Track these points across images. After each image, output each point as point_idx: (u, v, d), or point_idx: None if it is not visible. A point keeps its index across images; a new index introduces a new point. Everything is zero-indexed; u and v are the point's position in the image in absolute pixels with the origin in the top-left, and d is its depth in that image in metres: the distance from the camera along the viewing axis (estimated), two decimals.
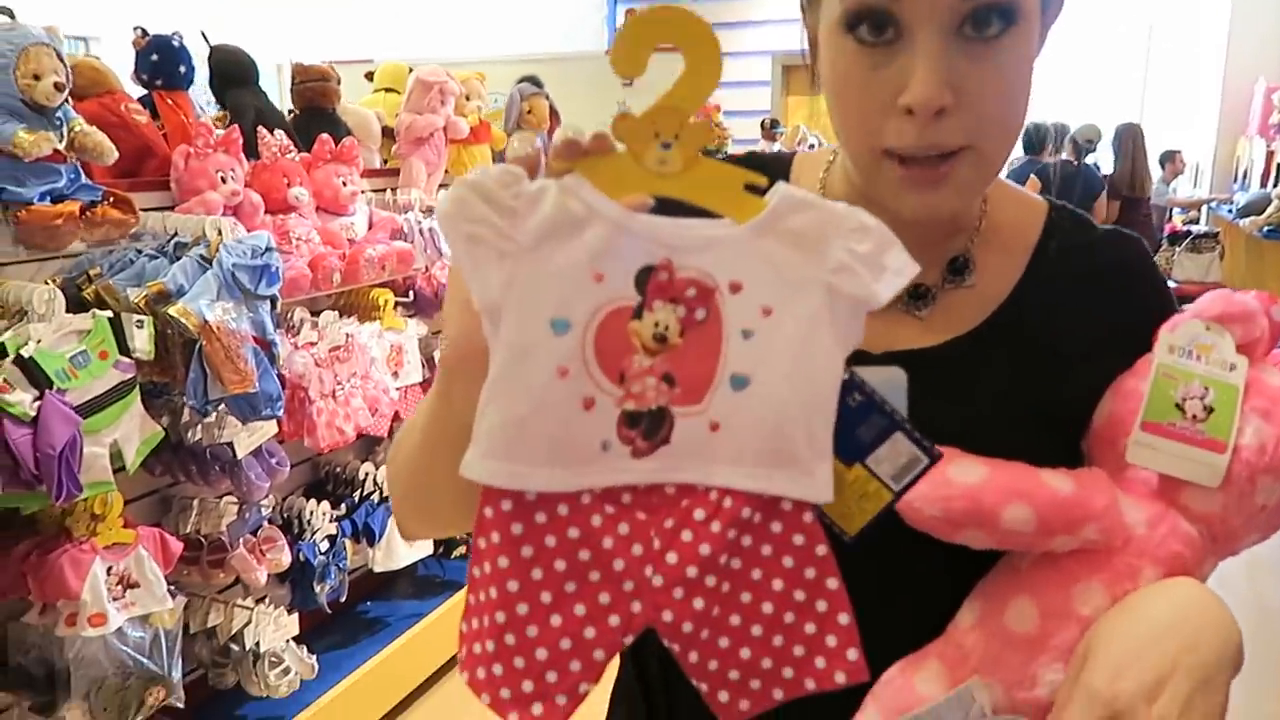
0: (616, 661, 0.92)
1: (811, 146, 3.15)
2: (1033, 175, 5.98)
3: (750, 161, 0.84)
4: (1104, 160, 6.53)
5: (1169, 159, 7.32)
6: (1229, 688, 0.58)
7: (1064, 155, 6.23)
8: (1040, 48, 0.68)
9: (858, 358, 0.72)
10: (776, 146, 5.97)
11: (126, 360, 1.76)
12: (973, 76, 0.62)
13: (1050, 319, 0.74)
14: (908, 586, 0.69)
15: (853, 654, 0.55)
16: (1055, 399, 0.70)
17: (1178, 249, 6.76)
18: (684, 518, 0.53)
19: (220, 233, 1.94)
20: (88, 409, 1.68)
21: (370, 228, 2.63)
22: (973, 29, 0.62)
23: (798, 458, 0.52)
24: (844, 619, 0.54)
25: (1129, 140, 6.50)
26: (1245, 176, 7.27)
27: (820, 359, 0.52)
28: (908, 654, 0.68)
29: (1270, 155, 6.75)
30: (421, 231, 2.71)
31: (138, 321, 1.78)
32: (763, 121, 6.56)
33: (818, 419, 0.53)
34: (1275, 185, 6.24)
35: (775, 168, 0.81)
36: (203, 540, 2.17)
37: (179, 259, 1.89)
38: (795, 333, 0.51)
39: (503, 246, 0.50)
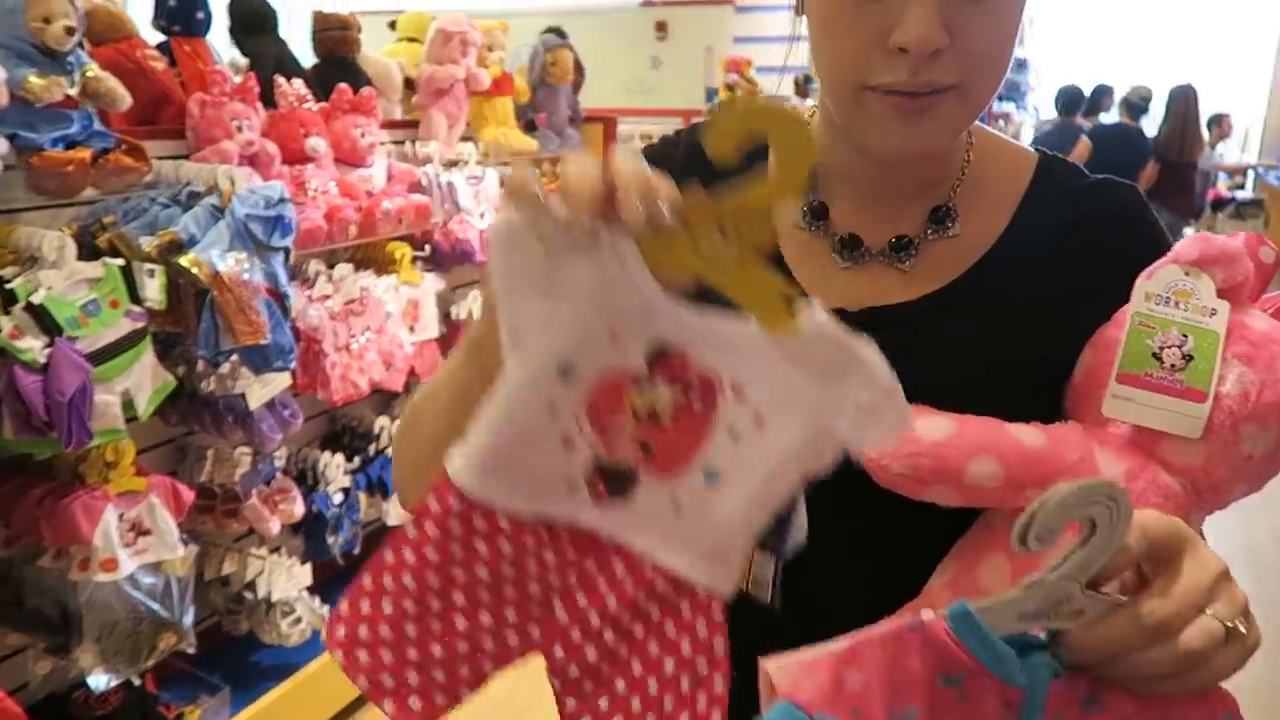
0: None
1: None
2: (1083, 137, 5.84)
3: None
4: (1149, 124, 6.36)
5: (1216, 122, 7.10)
6: None
7: (1117, 117, 6.08)
8: None
9: (837, 316, 0.70)
10: (810, 102, 5.85)
11: (138, 309, 1.76)
12: (966, 15, 0.61)
13: (1034, 269, 0.72)
14: (880, 550, 0.68)
15: None
16: (1038, 351, 0.68)
17: (1220, 215, 6.58)
18: (605, 567, 0.54)
19: (233, 182, 1.93)
20: (99, 357, 1.68)
21: (389, 180, 2.61)
22: None
23: (728, 559, 0.53)
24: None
25: (1182, 103, 6.31)
26: None
27: (783, 487, 0.52)
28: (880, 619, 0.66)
29: None
30: (440, 185, 2.69)
31: (149, 270, 1.78)
32: (796, 78, 6.43)
33: (756, 531, 0.54)
34: None
35: None
36: (217, 490, 2.19)
37: (191, 208, 1.88)
38: (775, 453, 0.51)
39: (538, 282, 0.51)
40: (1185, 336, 0.61)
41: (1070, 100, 6.18)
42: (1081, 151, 5.73)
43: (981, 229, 0.74)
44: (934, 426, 0.60)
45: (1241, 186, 7.47)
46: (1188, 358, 0.60)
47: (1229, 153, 7.79)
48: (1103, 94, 6.71)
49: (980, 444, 0.59)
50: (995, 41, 0.64)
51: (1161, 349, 0.61)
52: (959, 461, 0.58)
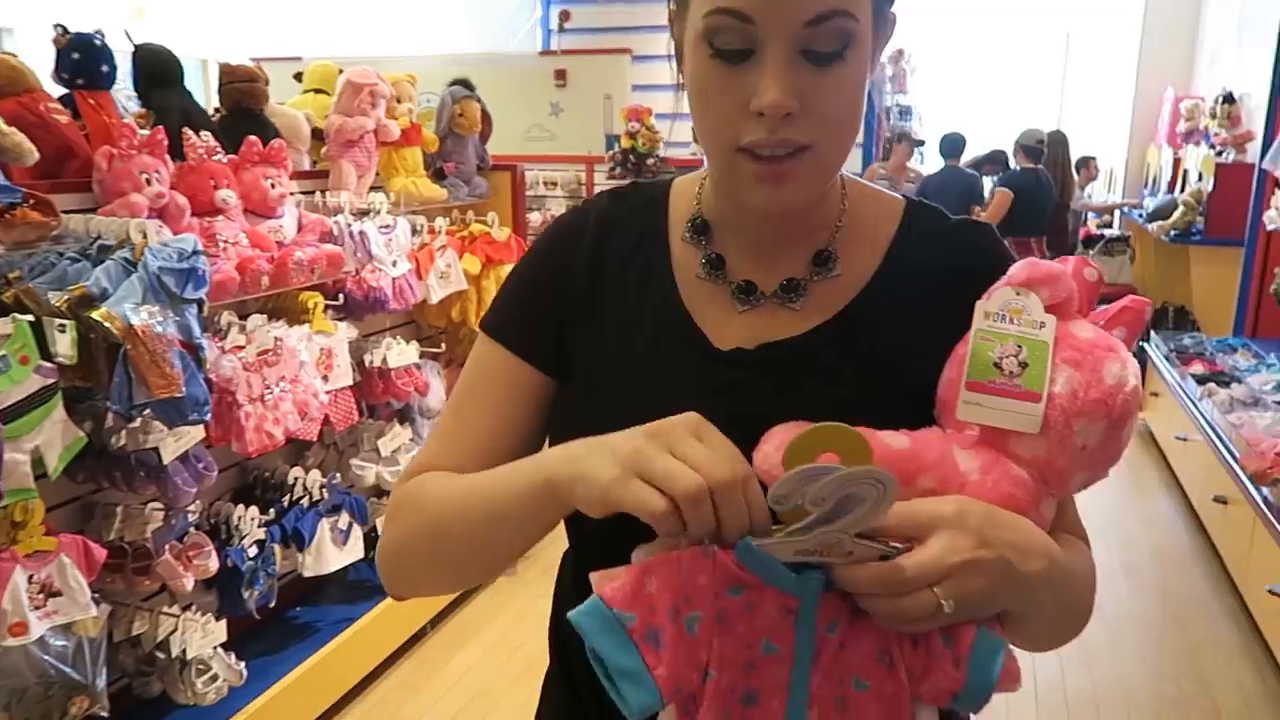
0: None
1: None
2: (1002, 189, 6.15)
3: (634, 191, 0.91)
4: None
5: (1084, 165, 7.60)
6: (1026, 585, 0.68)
7: (1015, 164, 6.42)
8: (875, 66, 0.79)
9: (735, 357, 0.81)
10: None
11: (48, 365, 1.74)
12: (813, 88, 0.72)
13: (904, 301, 0.82)
14: None
15: None
16: (910, 374, 0.77)
17: (1091, 252, 7.02)
18: None
19: (145, 235, 1.92)
20: (8, 415, 1.66)
21: (299, 230, 2.62)
22: (813, 53, 0.71)
23: None
24: None
25: (1057, 149, 6.76)
26: (1155, 182, 7.58)
27: None
28: None
29: (1177, 163, 7.05)
30: (351, 234, 2.71)
31: (60, 326, 1.76)
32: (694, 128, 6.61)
33: None
34: (1181, 191, 6.52)
35: (652, 196, 0.91)
36: (127, 547, 2.14)
37: (102, 262, 1.87)
38: None
39: None
40: (1020, 347, 0.70)
41: (952, 146, 6.53)
42: (1002, 201, 6.06)
43: (859, 268, 0.84)
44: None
45: (1110, 225, 7.99)
46: (1023, 365, 0.70)
47: (1096, 193, 8.33)
48: (992, 160, 7.09)
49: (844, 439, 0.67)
50: (841, 106, 0.73)
51: (1001, 359, 0.71)
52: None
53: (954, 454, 0.70)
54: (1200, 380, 4.28)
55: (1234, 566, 3.52)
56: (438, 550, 0.82)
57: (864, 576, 0.63)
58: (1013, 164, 6.54)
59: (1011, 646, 0.69)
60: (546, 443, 0.88)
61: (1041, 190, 6.19)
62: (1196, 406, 4.10)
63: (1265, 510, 3.01)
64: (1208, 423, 3.88)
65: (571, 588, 0.92)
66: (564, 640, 0.94)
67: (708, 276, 0.85)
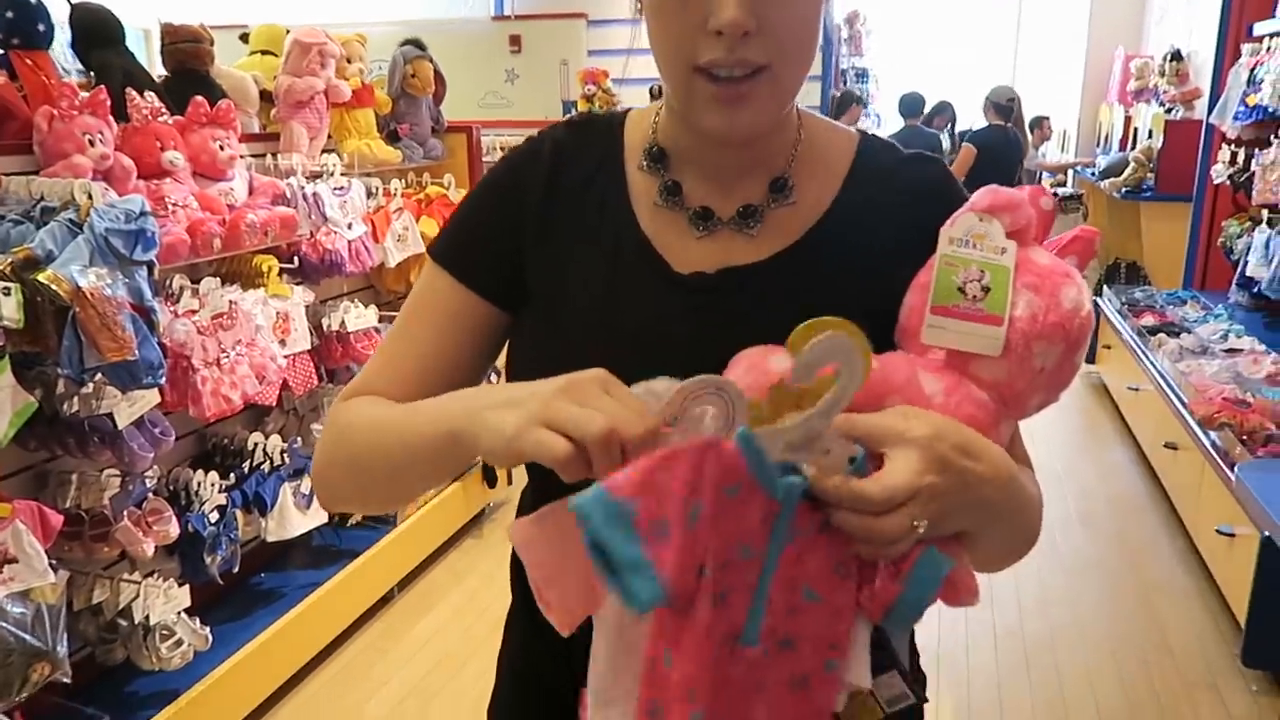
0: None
1: None
2: (966, 144, 6.13)
3: (589, 120, 0.91)
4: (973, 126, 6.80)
5: (1038, 124, 7.67)
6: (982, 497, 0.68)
7: (985, 120, 6.40)
8: None
9: (696, 280, 0.80)
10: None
11: None
12: (771, 6, 0.72)
13: (862, 230, 0.84)
14: None
15: None
16: (870, 300, 0.78)
17: None
18: None
19: (90, 196, 1.89)
20: None
21: (251, 193, 2.58)
22: None
23: None
24: None
25: (1015, 109, 6.79)
26: (1107, 141, 7.68)
27: None
28: None
29: (1128, 121, 7.14)
30: (305, 197, 2.67)
31: (4, 289, 1.72)
32: (651, 88, 6.59)
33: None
34: (1132, 149, 6.61)
35: (608, 125, 0.91)
36: (84, 515, 2.12)
37: (46, 224, 1.83)
38: None
39: None
40: (983, 272, 0.72)
41: (911, 106, 6.56)
42: (966, 157, 6.04)
43: (816, 197, 0.86)
44: (783, 359, 0.68)
45: (1064, 184, 8.09)
46: (986, 289, 0.72)
47: (1050, 153, 8.43)
48: (940, 111, 7.10)
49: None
50: (798, 28, 0.74)
51: (964, 283, 0.72)
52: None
53: (919, 377, 0.72)
54: (1151, 331, 4.37)
55: (1184, 510, 3.62)
56: (357, 478, 0.84)
57: (835, 489, 0.63)
58: (981, 121, 6.55)
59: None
60: (502, 373, 0.88)
61: (1010, 148, 6.18)
62: (1148, 357, 4.19)
63: (1213, 454, 3.09)
64: (1159, 372, 3.97)
65: None
66: (523, 576, 0.95)
67: (665, 203, 0.85)
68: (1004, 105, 6.25)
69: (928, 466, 0.65)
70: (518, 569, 0.96)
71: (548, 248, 0.86)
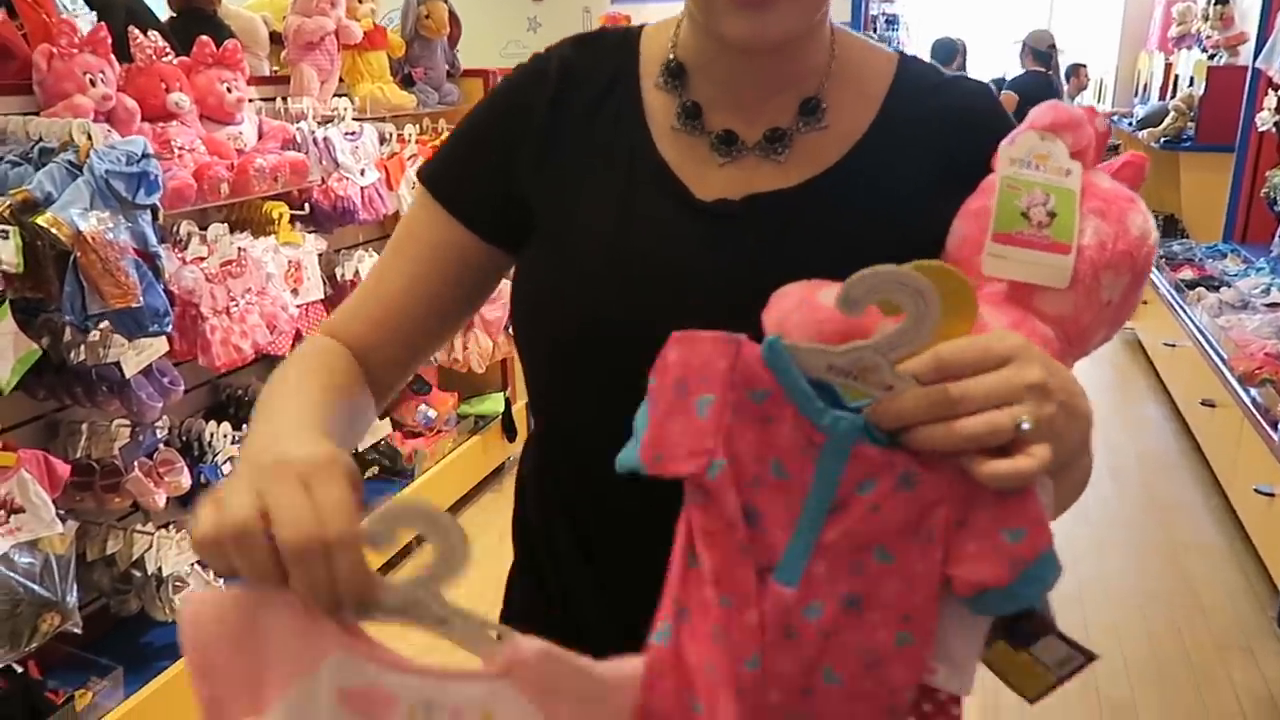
0: (492, 563, 0.92)
1: None
2: (1007, 90, 5.94)
3: (601, 35, 0.83)
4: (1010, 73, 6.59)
5: (1074, 73, 7.44)
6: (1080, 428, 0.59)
7: (1025, 67, 6.18)
8: None
9: (719, 207, 0.71)
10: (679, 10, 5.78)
11: None
12: None
13: (900, 156, 0.76)
14: None
15: None
16: (908, 230, 0.71)
17: None
18: None
19: (90, 137, 1.82)
20: None
21: (260, 138, 2.51)
22: None
23: None
24: None
25: (1054, 57, 6.57)
26: (1145, 90, 7.43)
27: None
28: None
29: (1168, 68, 6.91)
30: (316, 142, 2.60)
31: (2, 232, 1.67)
32: None
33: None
34: (1172, 98, 6.39)
35: (622, 40, 0.82)
36: (95, 465, 2.09)
37: (44, 166, 1.77)
38: None
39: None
40: (1048, 195, 0.65)
41: (945, 52, 6.37)
42: (1008, 104, 5.82)
43: (850, 120, 0.77)
44: (835, 294, 0.61)
45: None
46: (1051, 215, 0.64)
47: (1086, 102, 8.19)
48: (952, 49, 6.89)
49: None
50: None
51: (1029, 208, 0.65)
52: (863, 322, 0.60)
53: (982, 311, 0.64)
54: (1189, 286, 4.24)
55: (1220, 469, 3.52)
56: None
57: (911, 401, 0.54)
58: (1015, 68, 6.32)
59: None
60: (508, 308, 0.82)
61: (1045, 94, 6.01)
62: (1186, 312, 4.06)
63: (1253, 410, 2.99)
64: (1197, 327, 3.85)
65: (532, 476, 0.88)
66: (526, 531, 0.90)
67: (684, 126, 0.77)
68: (1043, 52, 6.04)
69: (1033, 368, 0.54)
70: (520, 523, 0.91)
71: (553, 175, 0.78)
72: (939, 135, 0.76)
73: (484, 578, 0.93)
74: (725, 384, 0.55)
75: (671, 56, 0.79)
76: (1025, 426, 0.53)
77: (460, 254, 0.80)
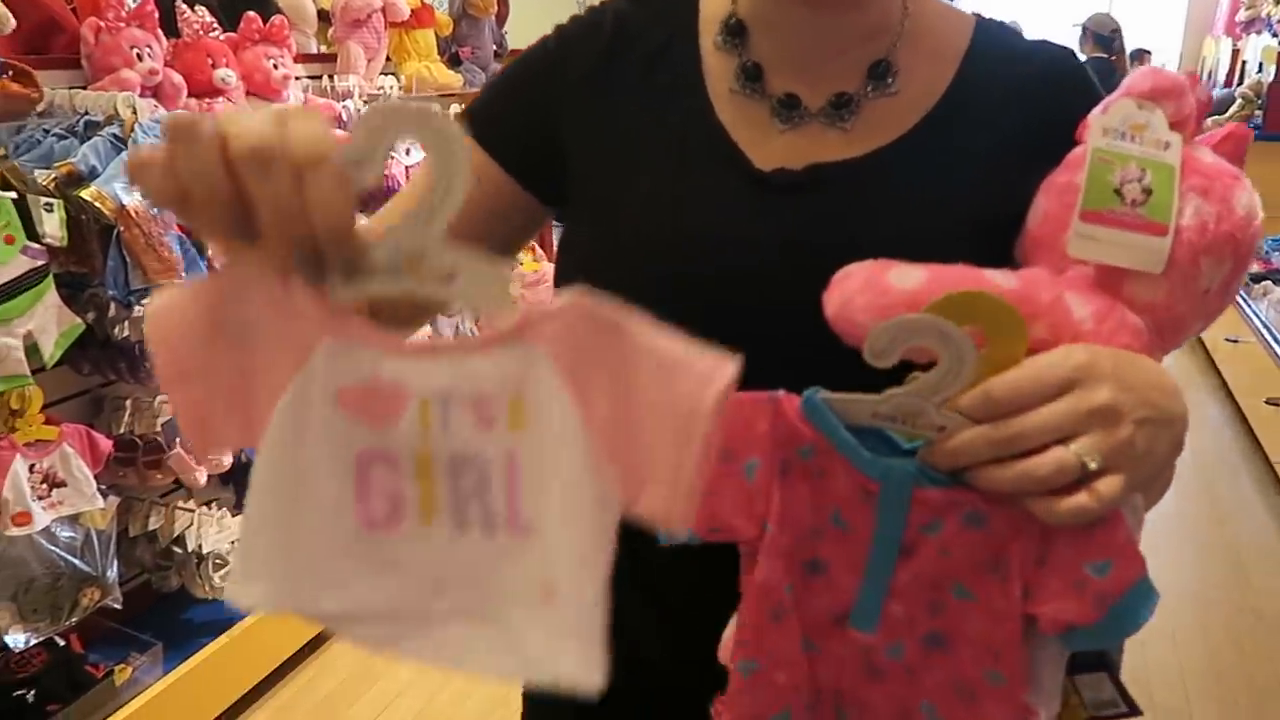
0: None
1: None
2: None
3: None
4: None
5: (1137, 58, 7.21)
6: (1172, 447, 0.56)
7: (1081, 53, 6.00)
8: None
9: (780, 177, 0.66)
10: None
11: (36, 246, 1.65)
12: None
13: (977, 125, 0.70)
14: None
15: None
16: (982, 207, 0.65)
17: None
18: None
19: (135, 111, 1.81)
20: None
21: None
22: None
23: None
24: None
25: (1117, 41, 6.37)
26: (1211, 77, 7.19)
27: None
28: None
29: (1235, 54, 6.67)
30: None
31: (46, 204, 1.66)
32: None
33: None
34: (1239, 85, 6.17)
35: None
36: (138, 441, 2.09)
37: (89, 139, 1.76)
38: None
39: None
40: (1143, 170, 0.58)
41: None
42: None
43: (923, 86, 0.71)
44: (906, 276, 0.56)
45: None
46: (1147, 192, 0.58)
47: None
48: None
49: (955, 289, 0.55)
50: None
51: (1122, 184, 0.58)
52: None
53: (1066, 298, 0.59)
54: (1255, 280, 4.09)
55: None
56: None
57: (966, 442, 0.51)
58: (1079, 52, 6.14)
59: None
60: (551, 273, 0.78)
61: (1115, 83, 5.82)
62: (1250, 306, 3.92)
63: None
64: (1262, 323, 3.71)
65: None
66: None
67: (743, 89, 0.72)
68: (1105, 36, 5.83)
69: (1097, 392, 0.51)
70: None
71: (601, 135, 0.73)
72: (1020, 103, 0.70)
73: None
74: (769, 445, 0.55)
75: (732, 13, 0.73)
76: (1091, 466, 0.49)
77: (495, 188, 0.75)
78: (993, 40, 0.74)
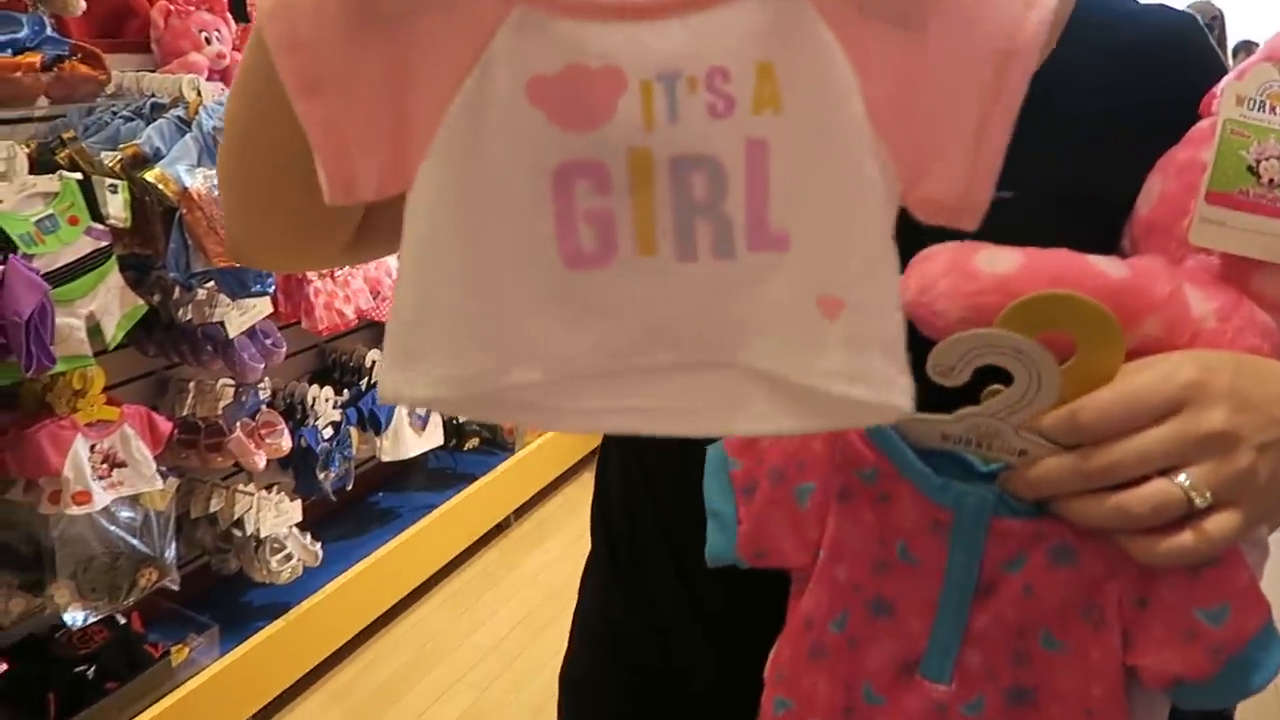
0: (589, 542, 0.83)
1: None
2: None
3: None
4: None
5: (1243, 48, 6.86)
6: None
7: None
8: None
9: None
10: None
11: (100, 227, 1.65)
12: None
13: (1082, 94, 0.61)
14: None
15: None
16: (1093, 182, 0.58)
17: None
18: None
19: (199, 93, 1.81)
20: (58, 277, 1.58)
21: None
22: None
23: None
24: None
25: (1216, 30, 6.08)
26: None
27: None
28: None
29: None
30: None
31: (111, 186, 1.67)
32: None
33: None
34: None
35: None
36: (200, 423, 2.10)
37: (155, 121, 1.77)
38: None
39: None
40: None
41: None
42: None
43: None
44: (998, 259, 0.48)
45: None
46: None
47: None
48: None
49: (1054, 276, 0.47)
50: None
51: (1258, 161, 0.50)
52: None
53: (1185, 291, 0.51)
54: None
55: None
56: (235, 189, 0.59)
57: (1052, 470, 0.45)
58: None
59: None
60: None
61: (1214, 78, 5.55)
62: None
63: None
64: None
65: (616, 463, 0.78)
66: (606, 522, 0.80)
67: None
68: (1205, 24, 5.56)
69: (1211, 413, 0.44)
70: (600, 509, 0.81)
71: None
72: (1132, 72, 0.62)
73: (583, 555, 0.84)
74: (826, 468, 0.50)
75: None
76: (1199, 503, 0.43)
77: None
78: (1100, 2, 0.65)
